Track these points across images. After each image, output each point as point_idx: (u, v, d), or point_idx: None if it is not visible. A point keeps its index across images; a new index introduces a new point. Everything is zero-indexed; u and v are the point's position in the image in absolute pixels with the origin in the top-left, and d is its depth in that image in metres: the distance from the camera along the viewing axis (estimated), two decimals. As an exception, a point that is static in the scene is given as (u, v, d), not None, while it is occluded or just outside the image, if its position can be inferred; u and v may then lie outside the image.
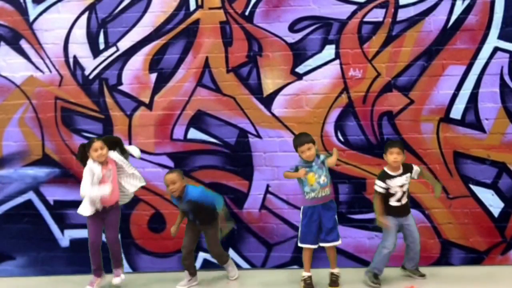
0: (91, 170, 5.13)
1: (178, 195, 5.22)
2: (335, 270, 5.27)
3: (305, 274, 5.24)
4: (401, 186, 5.17)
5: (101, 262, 5.34)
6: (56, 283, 5.39)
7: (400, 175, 5.18)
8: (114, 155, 5.31)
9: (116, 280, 5.37)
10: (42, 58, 5.94)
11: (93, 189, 5.10)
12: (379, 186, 5.18)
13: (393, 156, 5.11)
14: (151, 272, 5.88)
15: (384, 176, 5.19)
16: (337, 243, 5.20)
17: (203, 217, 5.32)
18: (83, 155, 5.25)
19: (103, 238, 5.37)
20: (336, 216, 5.21)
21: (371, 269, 5.25)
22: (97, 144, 5.18)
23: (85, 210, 5.17)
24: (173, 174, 5.24)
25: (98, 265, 5.33)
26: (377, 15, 5.73)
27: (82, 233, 5.81)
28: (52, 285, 5.29)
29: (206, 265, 5.82)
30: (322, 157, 5.19)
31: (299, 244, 5.23)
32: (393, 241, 5.17)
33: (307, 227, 5.16)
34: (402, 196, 5.19)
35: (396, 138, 5.65)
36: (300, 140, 5.15)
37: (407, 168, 5.22)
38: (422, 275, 5.33)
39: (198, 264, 5.86)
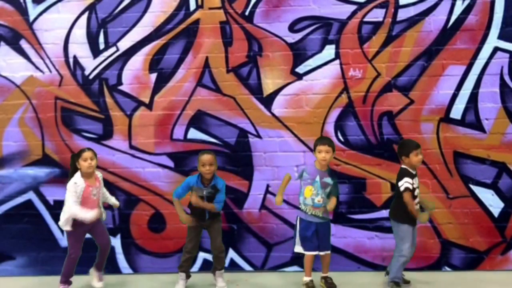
0: (75, 184, 5.08)
1: (209, 177, 5.20)
2: (328, 274, 5.27)
3: (306, 278, 5.23)
4: (417, 188, 5.11)
5: (73, 274, 5.30)
6: (55, 282, 5.37)
7: (416, 175, 5.15)
8: (101, 174, 5.38)
9: (99, 284, 5.33)
10: (42, 58, 5.94)
11: (77, 209, 5.04)
12: (408, 182, 5.00)
13: (421, 156, 5.06)
14: (151, 273, 5.88)
15: (410, 174, 5.06)
16: (328, 252, 5.23)
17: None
18: (74, 167, 5.21)
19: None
20: (330, 231, 5.24)
21: (392, 279, 5.12)
22: (88, 153, 5.15)
23: (66, 225, 5.13)
24: (212, 156, 5.21)
25: (70, 276, 5.27)
26: (377, 15, 5.73)
27: (82, 233, 5.82)
28: (51, 285, 5.29)
29: (206, 265, 5.80)
30: (332, 180, 5.16)
31: (301, 251, 5.21)
32: (411, 248, 5.09)
33: (304, 235, 5.19)
34: (415, 199, 5.10)
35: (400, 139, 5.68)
36: (322, 140, 5.18)
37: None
38: (407, 282, 5.22)
39: (198, 264, 5.87)
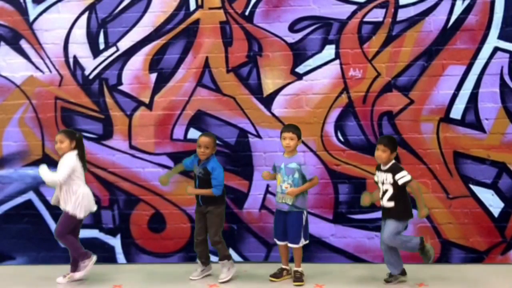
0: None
1: (203, 159, 5.25)
2: (299, 269, 5.25)
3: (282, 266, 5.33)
4: (382, 183, 5.09)
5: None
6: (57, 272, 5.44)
7: (384, 171, 5.10)
8: (69, 158, 5.20)
9: (58, 279, 5.33)
10: (42, 58, 5.95)
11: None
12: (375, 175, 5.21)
13: (377, 152, 5.08)
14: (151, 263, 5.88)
15: (377, 167, 5.21)
16: (293, 246, 5.20)
17: (206, 196, 5.27)
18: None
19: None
20: (299, 224, 5.17)
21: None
22: (57, 136, 5.25)
23: None
24: (210, 138, 5.28)
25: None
26: (377, 15, 5.73)
27: (82, 233, 5.80)
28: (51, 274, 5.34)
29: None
30: (298, 166, 5.14)
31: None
32: (381, 238, 5.13)
33: (274, 224, 5.31)
34: (383, 195, 5.08)
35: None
36: (286, 127, 5.25)
37: (393, 170, 5.04)
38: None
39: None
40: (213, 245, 5.32)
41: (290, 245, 5.22)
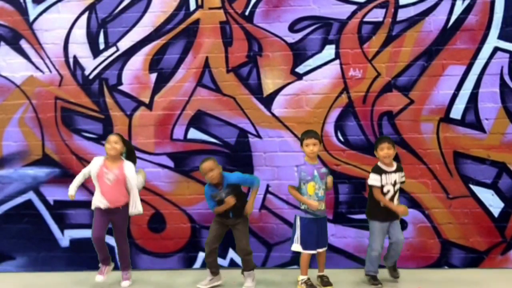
0: (95, 158, 5.31)
1: (216, 182, 5.15)
2: (324, 273, 5.27)
3: (303, 277, 5.20)
4: (394, 185, 5.11)
5: (107, 253, 5.30)
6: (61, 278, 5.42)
7: (393, 171, 5.14)
8: (129, 167, 5.27)
9: (124, 284, 5.33)
10: (42, 58, 5.95)
11: (75, 179, 5.30)
12: (374, 179, 5.09)
13: (389, 151, 5.07)
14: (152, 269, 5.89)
15: (379, 171, 5.13)
16: (325, 248, 5.27)
17: (238, 206, 5.16)
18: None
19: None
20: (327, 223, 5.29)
21: (367, 272, 5.23)
22: (113, 137, 5.25)
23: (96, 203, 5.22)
24: (209, 161, 5.16)
25: (105, 256, 5.28)
26: (377, 15, 5.73)
27: (82, 233, 5.83)
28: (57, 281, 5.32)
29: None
30: (325, 169, 5.24)
31: (300, 250, 5.14)
32: (381, 243, 5.11)
33: (306, 235, 5.13)
34: (393, 197, 5.12)
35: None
36: (308, 134, 5.18)
37: (400, 168, 5.22)
38: (396, 276, 5.30)
39: (197, 264, 5.88)
40: (244, 255, 5.18)
41: (324, 249, 5.23)
